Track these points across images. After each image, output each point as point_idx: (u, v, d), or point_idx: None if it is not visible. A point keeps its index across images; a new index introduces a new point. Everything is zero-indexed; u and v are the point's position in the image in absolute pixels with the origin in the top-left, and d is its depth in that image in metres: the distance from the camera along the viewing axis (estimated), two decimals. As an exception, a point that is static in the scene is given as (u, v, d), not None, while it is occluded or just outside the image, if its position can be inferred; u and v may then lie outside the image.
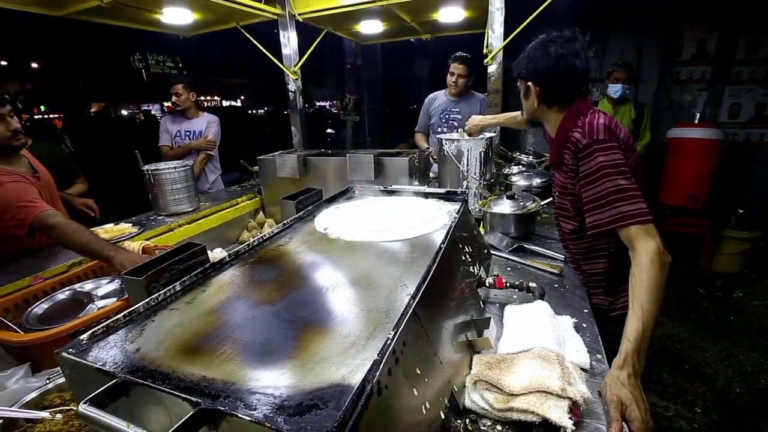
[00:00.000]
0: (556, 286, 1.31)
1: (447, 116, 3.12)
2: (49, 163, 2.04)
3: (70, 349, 0.60)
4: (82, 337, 0.63)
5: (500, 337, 1.00)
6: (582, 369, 0.88)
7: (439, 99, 3.17)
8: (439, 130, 3.13)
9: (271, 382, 0.53)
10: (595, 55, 4.56)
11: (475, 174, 2.17)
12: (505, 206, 1.77)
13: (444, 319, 0.83)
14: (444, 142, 2.18)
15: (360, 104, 5.69)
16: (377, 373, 0.53)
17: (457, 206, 1.34)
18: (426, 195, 1.49)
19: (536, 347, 0.88)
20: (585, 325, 1.08)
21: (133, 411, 0.56)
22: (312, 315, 0.72)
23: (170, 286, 0.78)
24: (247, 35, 2.92)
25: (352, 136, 5.77)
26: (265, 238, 1.07)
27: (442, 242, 1.00)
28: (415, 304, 0.70)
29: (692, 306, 3.37)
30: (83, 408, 0.47)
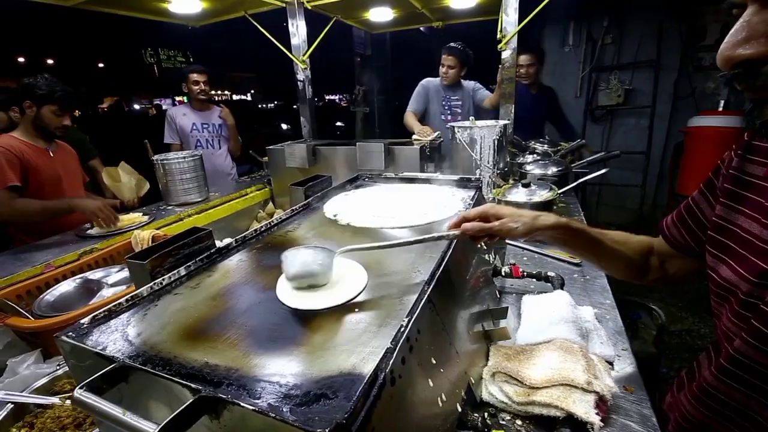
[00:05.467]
0: (576, 276, 1.25)
1: (449, 104, 3.12)
2: (68, 142, 2.19)
3: (71, 333, 0.57)
4: (83, 321, 0.60)
5: (518, 328, 0.95)
6: (607, 362, 0.83)
7: (436, 86, 3.16)
8: (442, 117, 3.14)
9: (277, 369, 0.50)
10: (612, 42, 4.41)
11: (488, 162, 2.11)
12: (520, 194, 1.71)
13: (459, 308, 0.79)
14: (456, 129, 2.12)
15: (369, 95, 5.62)
16: (390, 362, 0.49)
17: (471, 193, 1.29)
18: (439, 182, 1.44)
19: (558, 338, 0.83)
20: (608, 317, 1.02)
21: (134, 398, 0.53)
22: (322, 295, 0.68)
23: (175, 271, 0.75)
24: (255, 24, 2.88)
25: (362, 128, 5.72)
26: (272, 224, 1.04)
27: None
28: (430, 290, 0.66)
29: (713, 301, 3.26)
30: (79, 393, 0.44)
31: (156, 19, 2.77)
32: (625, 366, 0.84)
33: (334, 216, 1.11)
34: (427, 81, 3.22)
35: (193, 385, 0.45)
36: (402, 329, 0.55)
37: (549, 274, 1.12)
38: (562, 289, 1.07)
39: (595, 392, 0.68)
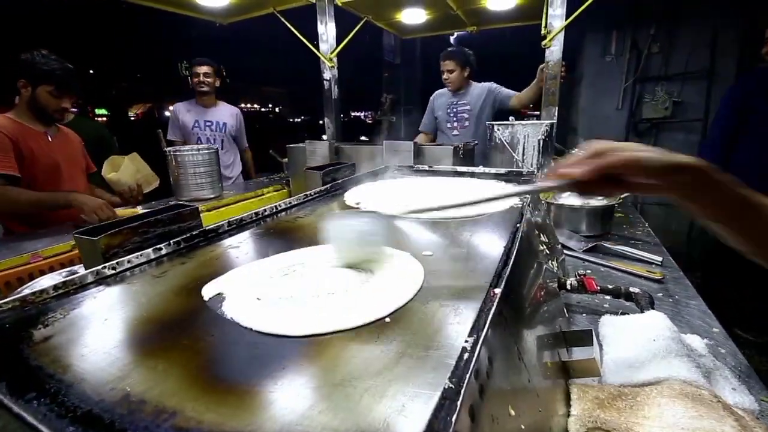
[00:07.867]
0: (660, 295, 0.98)
1: (454, 110, 2.95)
2: (87, 136, 2.09)
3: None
4: (-25, 314, 0.40)
5: (602, 358, 0.69)
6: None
7: (443, 95, 3.03)
8: (447, 125, 2.98)
9: (245, 420, 0.27)
10: (660, 51, 4.11)
11: (531, 165, 1.86)
12: (574, 197, 1.45)
13: (529, 327, 0.55)
14: (496, 128, 1.90)
15: (396, 104, 5.48)
16: (454, 418, 0.26)
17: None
18: (484, 175, 1.21)
19: (670, 378, 0.57)
20: (723, 350, 0.75)
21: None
22: (332, 305, 0.46)
23: (138, 253, 0.55)
24: (283, 20, 2.78)
25: (387, 137, 5.55)
26: (279, 208, 0.83)
27: (519, 221, 0.72)
28: (499, 296, 0.43)
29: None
30: None
31: (182, 12, 2.71)
32: (777, 428, 0.57)
33: (357, 204, 0.89)
34: (436, 93, 3.10)
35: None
36: (467, 356, 0.32)
37: (632, 290, 0.86)
38: (652, 309, 0.80)
39: (768, 478, 0.42)
